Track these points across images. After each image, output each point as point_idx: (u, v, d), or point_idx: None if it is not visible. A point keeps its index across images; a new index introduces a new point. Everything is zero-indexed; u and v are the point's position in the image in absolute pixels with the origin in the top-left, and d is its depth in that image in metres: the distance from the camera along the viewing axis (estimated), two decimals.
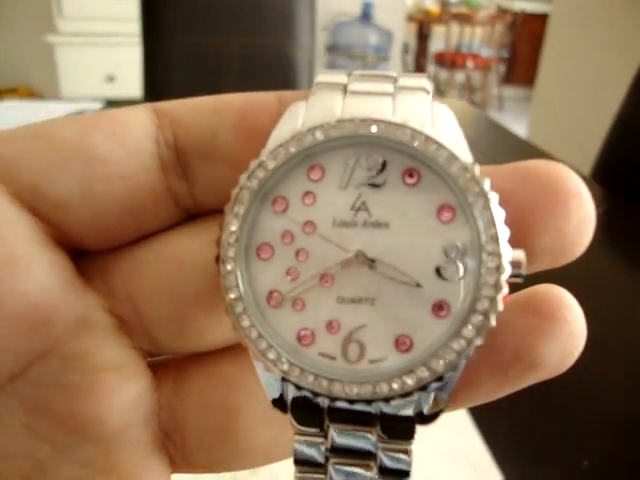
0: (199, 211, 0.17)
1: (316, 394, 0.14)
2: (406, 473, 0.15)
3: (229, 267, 0.15)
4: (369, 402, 0.14)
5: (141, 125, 0.16)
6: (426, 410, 0.14)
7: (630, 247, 0.79)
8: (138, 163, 0.16)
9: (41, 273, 0.15)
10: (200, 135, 0.16)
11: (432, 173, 0.14)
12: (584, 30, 2.15)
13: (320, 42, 2.57)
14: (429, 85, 0.16)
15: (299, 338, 0.15)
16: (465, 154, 0.14)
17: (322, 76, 0.16)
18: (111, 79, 2.57)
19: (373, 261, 0.14)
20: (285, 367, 0.14)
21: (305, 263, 0.15)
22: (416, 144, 0.14)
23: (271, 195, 0.15)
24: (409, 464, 0.15)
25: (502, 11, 4.81)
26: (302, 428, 0.15)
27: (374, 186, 0.15)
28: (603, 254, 0.78)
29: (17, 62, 2.81)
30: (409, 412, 0.14)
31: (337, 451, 0.15)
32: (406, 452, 0.15)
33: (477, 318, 0.13)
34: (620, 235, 0.84)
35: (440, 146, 0.14)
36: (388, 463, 0.15)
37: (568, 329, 0.14)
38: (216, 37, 1.38)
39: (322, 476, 0.15)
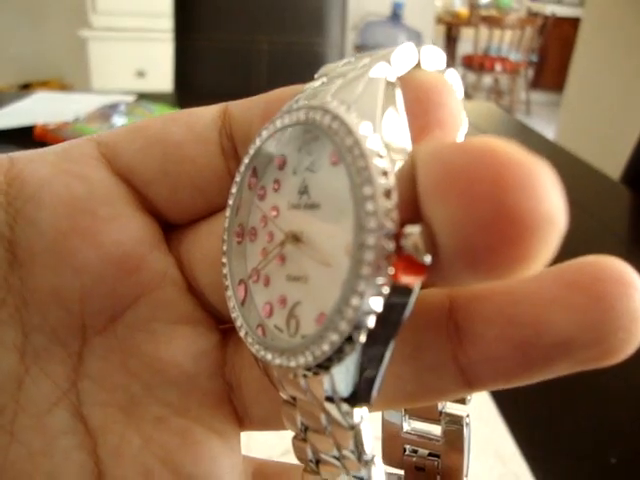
0: None
1: (256, 359, 0.16)
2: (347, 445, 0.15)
3: (224, 247, 0.17)
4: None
5: (210, 118, 0.19)
6: (342, 390, 0.14)
7: None
8: (205, 149, 0.18)
9: (136, 229, 0.18)
10: (242, 126, 0.19)
11: (344, 153, 0.14)
12: (615, 35, 2.12)
13: (349, 41, 2.57)
14: (386, 58, 0.15)
15: (264, 310, 0.16)
16: (365, 128, 0.13)
17: (323, 68, 0.17)
18: (142, 74, 2.60)
19: (304, 242, 0.15)
20: (242, 333, 0.16)
21: (270, 243, 0.16)
22: (325, 124, 0.14)
23: (258, 186, 0.17)
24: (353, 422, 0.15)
25: (532, 14, 4.77)
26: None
27: (313, 169, 0.15)
28: (631, 257, 0.77)
29: (50, 56, 2.86)
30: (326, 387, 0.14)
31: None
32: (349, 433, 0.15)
33: (354, 301, 0.12)
34: None
35: (341, 123, 0.13)
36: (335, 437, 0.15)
37: (603, 305, 0.12)
38: (247, 34, 1.39)
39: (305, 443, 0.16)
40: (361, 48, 2.87)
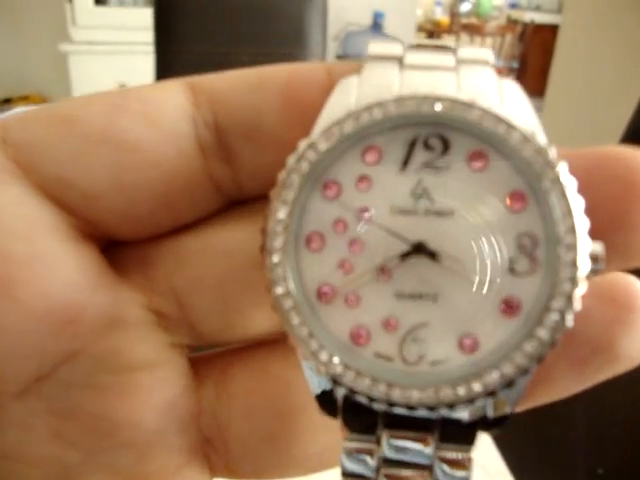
0: (243, 198, 0.16)
1: (373, 399, 0.13)
2: None
3: (276, 259, 0.13)
4: (431, 409, 0.12)
5: (175, 104, 0.14)
6: (490, 414, 0.13)
7: None
8: (173, 148, 0.14)
9: (66, 270, 0.14)
10: (243, 113, 0.15)
11: (501, 157, 0.13)
12: (594, 41, 2.15)
13: (331, 51, 2.58)
14: (492, 57, 0.14)
15: (353, 337, 0.13)
16: (539, 135, 0.13)
17: (374, 47, 0.15)
18: (123, 87, 2.59)
19: (436, 253, 0.13)
20: (339, 370, 0.13)
21: (360, 255, 0.13)
22: (485, 125, 0.13)
23: (322, 179, 0.14)
24: (467, 477, 0.13)
25: (512, 22, 4.82)
26: (353, 435, 0.13)
27: (436, 170, 0.13)
28: None
29: (30, 70, 2.84)
30: (470, 417, 0.13)
31: (390, 462, 0.13)
32: (465, 465, 0.13)
33: (552, 317, 0.12)
34: None
35: (511, 127, 0.13)
36: (444, 475, 0.13)
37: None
38: (227, 46, 1.39)
39: None
40: (343, 58, 2.88)
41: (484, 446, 0.40)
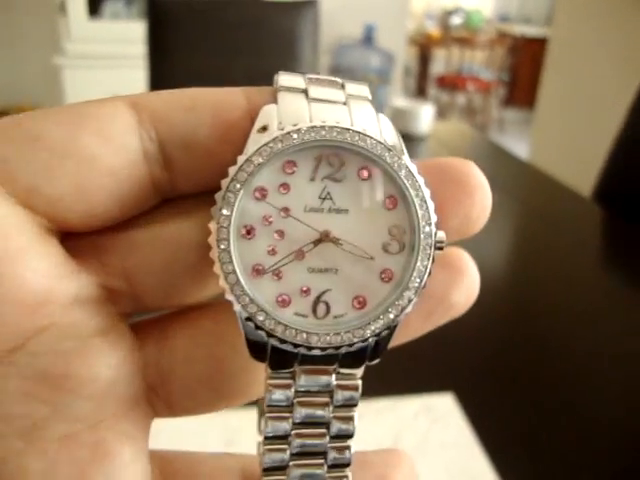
0: (176, 196, 0.19)
1: (297, 345, 0.18)
2: (354, 400, 0.19)
3: (223, 246, 0.18)
4: (337, 348, 0.18)
5: (124, 122, 0.18)
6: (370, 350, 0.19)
7: (629, 268, 0.79)
8: (124, 159, 0.17)
9: (38, 263, 0.17)
10: (181, 130, 0.18)
11: (380, 171, 0.19)
12: (584, 53, 2.18)
13: (323, 64, 2.60)
14: (369, 94, 0.20)
15: (278, 302, 0.18)
16: (405, 156, 0.19)
17: (283, 79, 0.20)
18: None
19: (337, 239, 0.18)
20: (272, 326, 0.18)
21: (282, 241, 0.18)
22: (370, 147, 0.18)
23: (252, 185, 0.18)
24: (357, 391, 0.19)
25: (502, 35, 4.87)
26: (274, 373, 0.19)
27: (336, 180, 0.19)
28: (602, 274, 0.79)
29: (25, 83, 2.85)
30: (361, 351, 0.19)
31: (301, 392, 0.19)
32: (356, 388, 0.19)
33: (415, 282, 0.18)
34: (619, 255, 0.84)
35: (387, 149, 0.18)
36: (340, 396, 0.19)
37: (470, 279, 0.20)
38: (220, 59, 1.40)
39: (289, 415, 0.19)
40: (334, 71, 2.91)
41: (476, 462, 0.40)
